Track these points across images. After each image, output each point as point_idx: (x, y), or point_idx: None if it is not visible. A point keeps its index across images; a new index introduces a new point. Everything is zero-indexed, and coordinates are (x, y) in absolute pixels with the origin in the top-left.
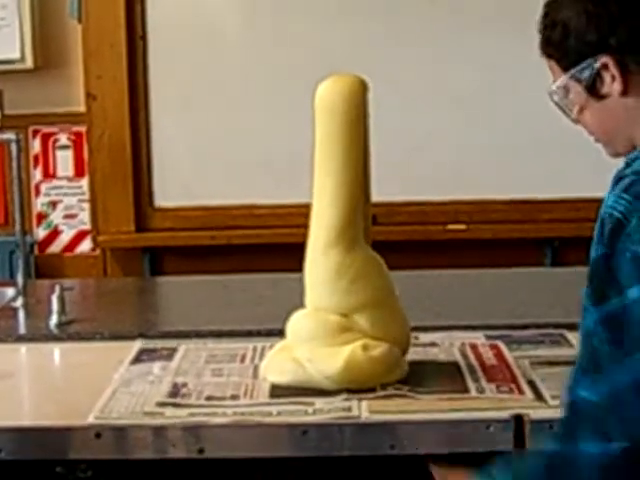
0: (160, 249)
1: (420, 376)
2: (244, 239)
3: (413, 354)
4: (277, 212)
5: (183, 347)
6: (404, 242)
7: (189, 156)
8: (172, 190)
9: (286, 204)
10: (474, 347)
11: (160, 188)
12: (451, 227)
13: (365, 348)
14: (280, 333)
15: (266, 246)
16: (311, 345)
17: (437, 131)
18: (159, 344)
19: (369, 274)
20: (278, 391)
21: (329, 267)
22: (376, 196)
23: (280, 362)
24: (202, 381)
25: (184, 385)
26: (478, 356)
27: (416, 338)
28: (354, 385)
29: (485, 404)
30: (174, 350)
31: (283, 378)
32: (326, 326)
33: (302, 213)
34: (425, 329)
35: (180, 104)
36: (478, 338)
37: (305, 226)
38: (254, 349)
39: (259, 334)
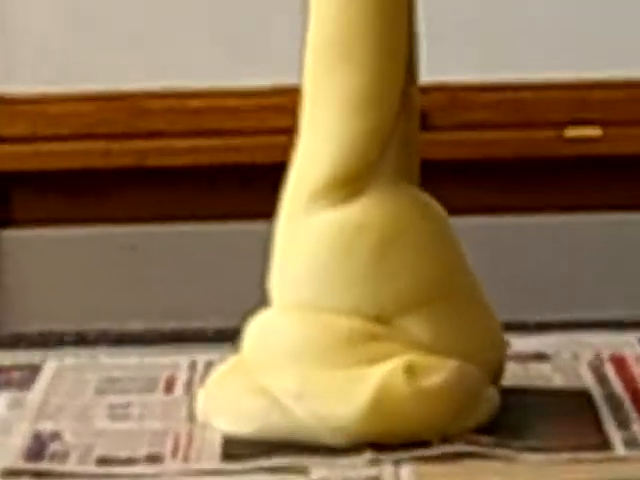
0: (6, 176)
1: (518, 419)
2: (167, 157)
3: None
4: (229, 104)
5: (53, 364)
6: (480, 162)
7: (57, 6)
8: (27, 65)
9: (246, 89)
10: (619, 362)
11: (4, 62)
12: (572, 132)
13: (411, 372)
14: (238, 335)
15: (209, 170)
16: (301, 368)
17: None
18: (8, 358)
19: (412, 241)
20: (237, 448)
21: (327, 235)
22: (428, 76)
23: (237, 395)
24: (90, 428)
25: (55, 436)
26: (627, 380)
27: (507, 346)
28: (388, 438)
29: None
30: (36, 369)
31: (244, 426)
32: (332, 333)
33: (277, 105)
34: (523, 328)
35: None
36: (627, 345)
37: (282, 130)
38: (191, 367)
39: (200, 338)
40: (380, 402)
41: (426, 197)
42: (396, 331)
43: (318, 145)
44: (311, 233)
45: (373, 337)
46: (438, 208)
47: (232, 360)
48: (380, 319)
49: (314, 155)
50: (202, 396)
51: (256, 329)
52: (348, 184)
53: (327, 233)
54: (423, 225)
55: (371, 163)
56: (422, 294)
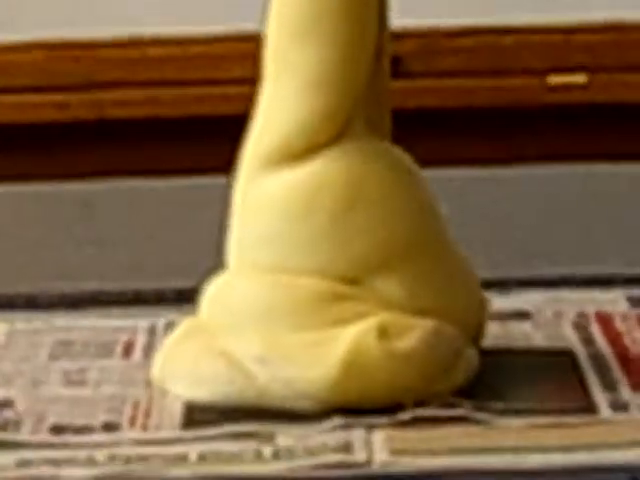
0: None
1: (498, 381)
2: (125, 109)
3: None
4: (191, 52)
5: (3, 328)
6: (457, 111)
7: None
8: None
9: (209, 36)
10: (605, 321)
11: None
12: (555, 79)
13: (383, 332)
14: (199, 297)
15: (170, 122)
16: (264, 331)
17: None
18: None
19: (379, 197)
20: (199, 415)
21: (287, 194)
22: (399, 19)
23: (196, 359)
24: (43, 395)
25: (7, 404)
26: (614, 339)
27: (488, 304)
28: (360, 403)
29: (628, 435)
30: None
31: (205, 392)
32: (296, 293)
33: (244, 52)
34: (503, 285)
35: None
36: (613, 303)
37: (248, 80)
38: (151, 330)
39: (160, 299)
40: (351, 365)
41: (396, 151)
42: (366, 291)
43: (280, 109)
44: (270, 192)
45: (341, 297)
46: (409, 161)
47: (189, 322)
48: (348, 280)
49: (275, 116)
50: (159, 360)
51: (214, 292)
52: (309, 144)
53: (287, 192)
54: (391, 180)
55: (335, 127)
56: (392, 252)
